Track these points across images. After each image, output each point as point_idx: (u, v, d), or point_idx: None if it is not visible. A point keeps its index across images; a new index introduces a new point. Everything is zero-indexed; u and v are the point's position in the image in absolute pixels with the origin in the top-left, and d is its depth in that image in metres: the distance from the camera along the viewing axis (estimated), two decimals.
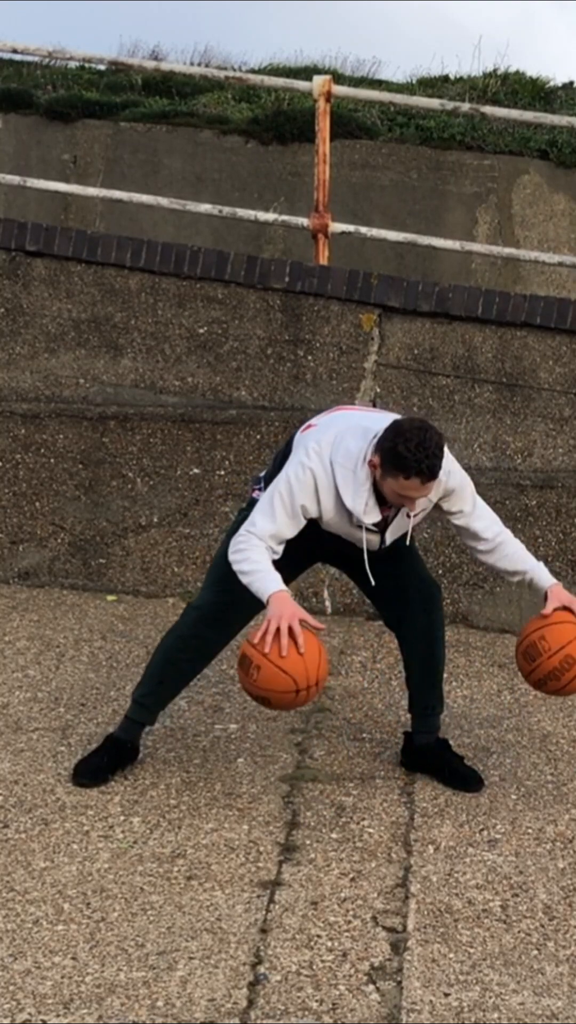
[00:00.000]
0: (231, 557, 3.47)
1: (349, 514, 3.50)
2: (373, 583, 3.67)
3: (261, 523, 3.45)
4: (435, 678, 3.83)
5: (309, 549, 3.69)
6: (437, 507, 3.64)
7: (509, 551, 3.68)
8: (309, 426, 3.63)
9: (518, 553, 3.69)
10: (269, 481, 3.64)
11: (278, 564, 3.51)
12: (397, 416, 3.62)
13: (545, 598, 3.67)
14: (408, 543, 3.73)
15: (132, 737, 3.77)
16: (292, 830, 3.47)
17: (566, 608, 3.63)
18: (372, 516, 3.51)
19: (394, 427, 3.40)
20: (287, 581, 3.62)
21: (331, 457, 3.46)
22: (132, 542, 5.60)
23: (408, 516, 3.58)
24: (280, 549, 3.49)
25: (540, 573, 3.69)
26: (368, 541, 3.59)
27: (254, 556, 3.42)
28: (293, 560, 3.65)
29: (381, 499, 3.51)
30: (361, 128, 9.23)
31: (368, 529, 3.54)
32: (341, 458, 3.46)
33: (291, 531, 3.48)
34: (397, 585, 3.75)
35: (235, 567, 3.45)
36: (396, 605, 3.78)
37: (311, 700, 3.48)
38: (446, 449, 3.52)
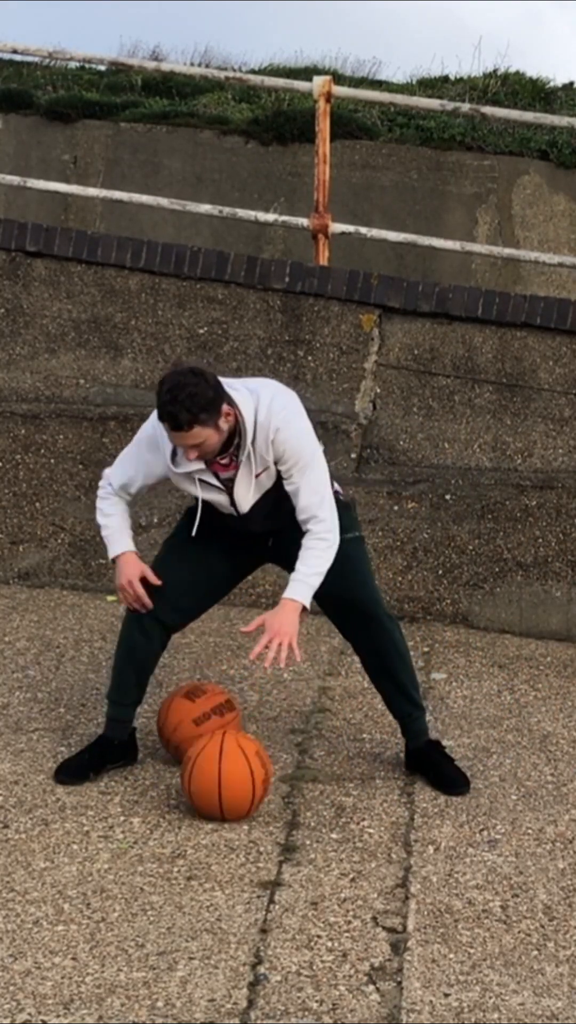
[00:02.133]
0: (97, 503, 3.73)
1: (173, 464, 3.54)
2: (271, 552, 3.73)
3: (115, 471, 3.68)
4: (398, 687, 3.78)
5: (240, 551, 3.72)
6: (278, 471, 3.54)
7: (309, 546, 3.50)
8: None
9: (308, 555, 3.50)
10: None
11: (218, 573, 3.70)
12: (260, 381, 3.64)
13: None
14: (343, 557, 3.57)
15: (116, 735, 3.76)
16: (292, 830, 3.47)
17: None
18: (187, 466, 3.48)
19: (170, 369, 3.42)
20: (230, 583, 3.81)
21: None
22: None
23: (255, 476, 3.49)
24: (132, 495, 3.68)
25: (293, 584, 3.50)
26: (219, 501, 3.55)
27: (107, 508, 3.68)
28: (230, 565, 3.74)
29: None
30: (361, 128, 9.23)
31: (208, 484, 3.53)
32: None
33: (137, 478, 3.63)
34: (343, 596, 3.67)
35: (96, 516, 3.70)
36: (343, 619, 3.76)
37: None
38: (289, 408, 3.48)
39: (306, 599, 3.50)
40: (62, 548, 5.63)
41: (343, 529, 3.56)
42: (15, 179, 6.80)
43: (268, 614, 3.49)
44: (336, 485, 3.68)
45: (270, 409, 3.45)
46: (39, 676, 4.54)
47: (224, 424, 3.39)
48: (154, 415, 3.47)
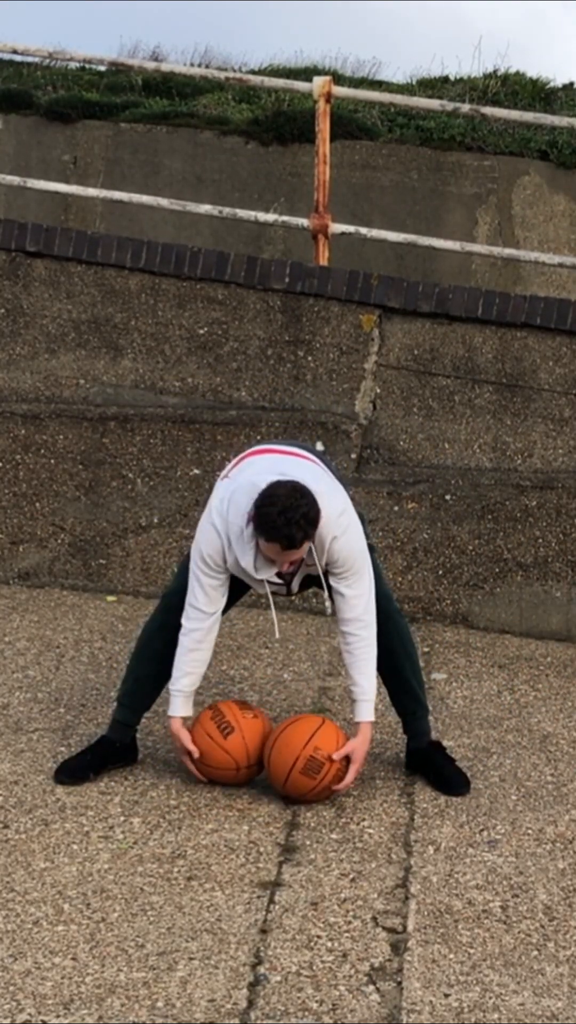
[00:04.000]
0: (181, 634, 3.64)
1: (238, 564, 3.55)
2: (293, 595, 3.78)
3: (195, 598, 3.60)
4: (405, 685, 3.81)
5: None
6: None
7: (357, 653, 3.61)
8: (225, 476, 3.65)
9: (360, 663, 3.61)
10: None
11: (238, 585, 3.68)
12: (311, 461, 3.63)
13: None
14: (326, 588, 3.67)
15: (120, 738, 3.78)
16: (292, 830, 3.47)
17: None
18: (266, 572, 3.53)
19: (268, 488, 3.38)
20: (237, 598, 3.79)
21: (227, 514, 3.50)
22: (132, 543, 5.60)
23: (307, 564, 3.59)
24: (223, 599, 3.63)
25: (362, 705, 3.62)
26: (273, 590, 3.64)
27: (180, 658, 3.62)
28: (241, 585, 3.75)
29: None
30: (361, 129, 9.23)
31: (270, 582, 3.58)
32: (233, 517, 3.49)
33: (222, 586, 3.59)
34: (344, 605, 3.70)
35: (180, 646, 3.63)
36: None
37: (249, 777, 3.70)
38: (347, 515, 3.54)
39: (373, 715, 3.66)
40: (62, 548, 5.63)
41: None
42: (15, 179, 6.80)
43: (353, 742, 3.61)
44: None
45: (327, 519, 3.46)
46: (39, 676, 4.54)
47: None
48: (211, 533, 3.51)
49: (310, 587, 3.74)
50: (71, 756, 3.78)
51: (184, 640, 3.62)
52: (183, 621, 3.62)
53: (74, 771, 3.69)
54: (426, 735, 3.87)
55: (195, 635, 3.61)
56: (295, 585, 3.69)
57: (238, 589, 3.75)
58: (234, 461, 3.70)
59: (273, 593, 3.64)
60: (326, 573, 3.58)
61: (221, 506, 3.53)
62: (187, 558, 3.72)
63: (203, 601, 3.59)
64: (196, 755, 3.63)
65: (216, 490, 3.61)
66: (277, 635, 4.00)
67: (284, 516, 3.30)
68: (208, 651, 3.66)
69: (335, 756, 3.57)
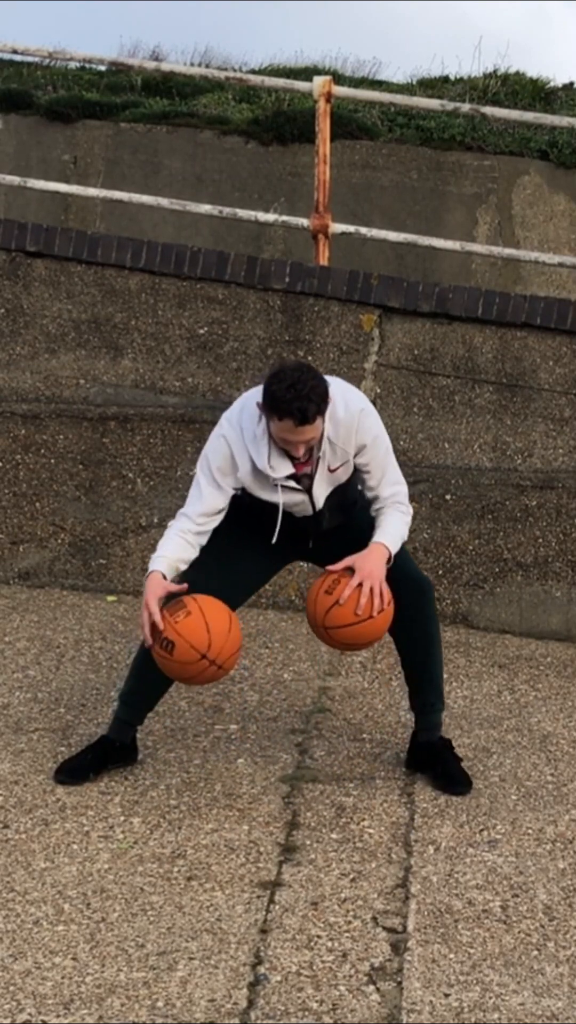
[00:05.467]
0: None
1: (260, 473, 3.52)
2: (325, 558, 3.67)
3: (190, 504, 3.55)
4: (432, 675, 3.81)
5: (280, 550, 3.69)
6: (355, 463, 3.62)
7: (386, 515, 3.65)
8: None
9: (391, 515, 3.65)
10: None
11: (251, 570, 3.65)
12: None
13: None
14: (354, 512, 3.69)
15: (121, 737, 3.76)
16: (292, 830, 3.47)
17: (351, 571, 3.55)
18: (282, 469, 3.49)
19: (273, 368, 3.43)
20: (260, 584, 3.78)
21: (239, 421, 3.51)
22: (132, 542, 5.61)
23: (330, 470, 3.56)
24: (213, 519, 3.55)
25: (385, 532, 3.61)
26: (297, 502, 3.57)
27: (165, 538, 3.54)
28: (266, 564, 3.72)
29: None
30: (361, 129, 9.24)
31: (289, 488, 3.54)
32: (246, 421, 3.50)
33: (220, 502, 3.54)
34: (389, 585, 3.72)
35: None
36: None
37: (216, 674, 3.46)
38: (365, 403, 3.57)
39: (394, 547, 3.59)
40: (62, 548, 5.63)
41: None
42: (15, 179, 6.80)
43: (356, 556, 3.52)
44: None
45: (347, 400, 3.51)
46: (39, 676, 4.54)
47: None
48: (219, 443, 3.50)
49: (337, 516, 3.67)
50: (71, 756, 3.77)
51: (169, 531, 3.54)
52: (170, 524, 3.57)
53: (74, 771, 3.68)
54: (439, 728, 3.87)
55: (180, 529, 3.52)
56: (319, 495, 3.58)
57: (253, 579, 3.72)
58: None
59: (297, 512, 3.59)
60: (357, 468, 3.58)
61: (231, 414, 3.53)
62: (192, 562, 3.65)
63: (197, 509, 3.53)
64: (179, 588, 3.46)
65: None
66: (274, 540, 3.62)
67: (294, 390, 3.30)
68: (193, 551, 3.55)
69: (332, 568, 3.53)
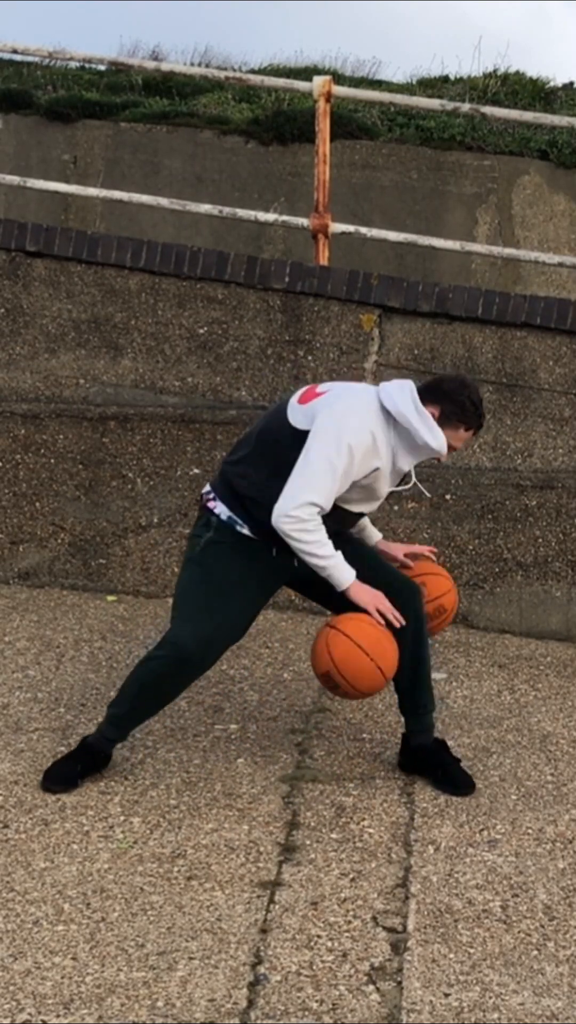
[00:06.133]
0: (291, 529, 3.41)
1: (395, 465, 3.59)
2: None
3: (317, 494, 3.41)
4: (425, 675, 3.82)
5: (272, 584, 3.71)
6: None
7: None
8: (311, 395, 3.58)
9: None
10: (225, 490, 3.60)
11: (247, 600, 3.59)
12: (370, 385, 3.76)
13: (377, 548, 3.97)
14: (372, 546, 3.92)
15: (103, 748, 3.72)
16: (292, 830, 3.47)
17: (413, 555, 3.99)
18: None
19: (454, 381, 3.63)
20: (252, 617, 3.71)
21: (392, 407, 3.53)
22: (132, 542, 5.60)
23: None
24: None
25: (370, 526, 3.98)
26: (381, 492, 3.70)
27: (324, 539, 3.45)
28: (256, 598, 3.66)
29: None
30: (361, 128, 9.24)
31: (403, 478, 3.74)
32: (402, 405, 3.53)
33: (343, 490, 3.49)
34: (391, 582, 3.74)
35: (303, 547, 3.43)
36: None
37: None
38: None
39: None
40: (62, 548, 5.63)
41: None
42: (15, 179, 6.80)
43: (403, 547, 4.02)
44: None
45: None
46: (39, 676, 4.54)
47: None
48: (365, 436, 3.47)
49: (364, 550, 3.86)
50: (59, 761, 3.69)
51: (316, 532, 3.42)
52: (303, 516, 3.40)
53: (67, 780, 3.63)
54: (432, 730, 3.87)
55: (324, 537, 3.45)
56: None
57: (260, 603, 3.70)
58: (304, 391, 3.63)
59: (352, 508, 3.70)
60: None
61: (369, 410, 3.51)
62: (191, 595, 3.57)
63: (325, 497, 3.42)
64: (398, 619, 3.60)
65: (332, 403, 3.50)
66: (378, 538, 3.99)
67: (482, 404, 3.66)
68: None
69: (400, 554, 3.97)
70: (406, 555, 3.99)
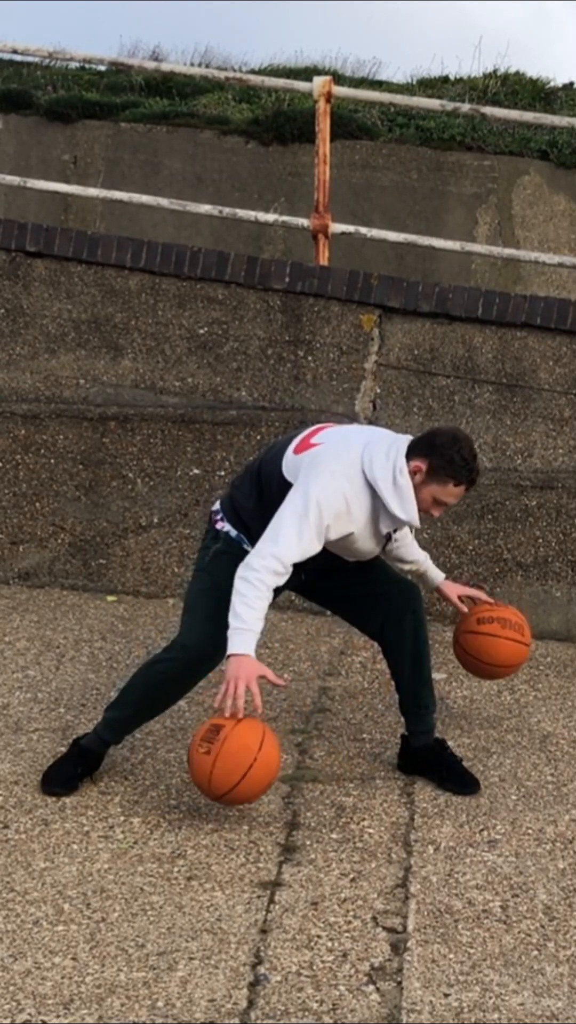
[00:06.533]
0: (243, 574, 3.35)
1: (375, 527, 3.53)
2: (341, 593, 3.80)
3: (286, 549, 3.35)
4: (426, 676, 3.82)
5: (277, 592, 3.60)
6: None
7: (409, 541, 3.91)
8: (306, 445, 3.55)
9: (414, 544, 3.96)
10: (231, 512, 3.61)
11: None
12: (373, 428, 3.73)
13: (438, 592, 4.07)
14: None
15: (99, 750, 3.71)
16: (292, 830, 3.47)
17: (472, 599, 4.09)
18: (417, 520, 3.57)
19: (446, 435, 3.54)
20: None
21: (368, 474, 3.45)
22: (132, 542, 5.61)
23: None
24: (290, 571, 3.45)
25: (431, 565, 4.03)
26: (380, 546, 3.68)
27: (257, 603, 3.33)
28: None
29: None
30: (361, 129, 9.23)
31: (389, 537, 3.65)
32: (379, 472, 3.45)
33: (317, 549, 3.43)
34: (375, 592, 3.76)
35: (236, 596, 3.33)
36: (377, 612, 3.78)
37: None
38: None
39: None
40: (62, 548, 5.63)
41: None
42: (15, 179, 6.80)
43: (457, 588, 4.10)
44: None
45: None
46: (39, 676, 4.54)
47: None
48: (336, 498, 3.41)
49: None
50: (56, 763, 3.69)
51: (253, 585, 3.32)
52: (258, 568, 3.32)
53: (67, 782, 3.63)
54: (433, 731, 3.87)
55: (266, 580, 3.32)
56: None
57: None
58: (303, 436, 3.59)
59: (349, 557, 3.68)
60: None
61: (349, 471, 3.44)
62: (200, 602, 3.58)
63: (292, 554, 3.34)
64: (276, 681, 3.37)
65: (314, 460, 3.46)
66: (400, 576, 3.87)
67: (474, 459, 3.53)
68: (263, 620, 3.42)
69: (461, 597, 4.03)
70: (460, 597, 4.05)
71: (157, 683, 3.59)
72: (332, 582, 3.76)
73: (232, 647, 3.32)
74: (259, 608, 3.33)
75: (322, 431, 3.62)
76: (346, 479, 3.43)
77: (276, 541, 3.35)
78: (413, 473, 3.48)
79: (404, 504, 3.46)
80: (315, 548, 3.41)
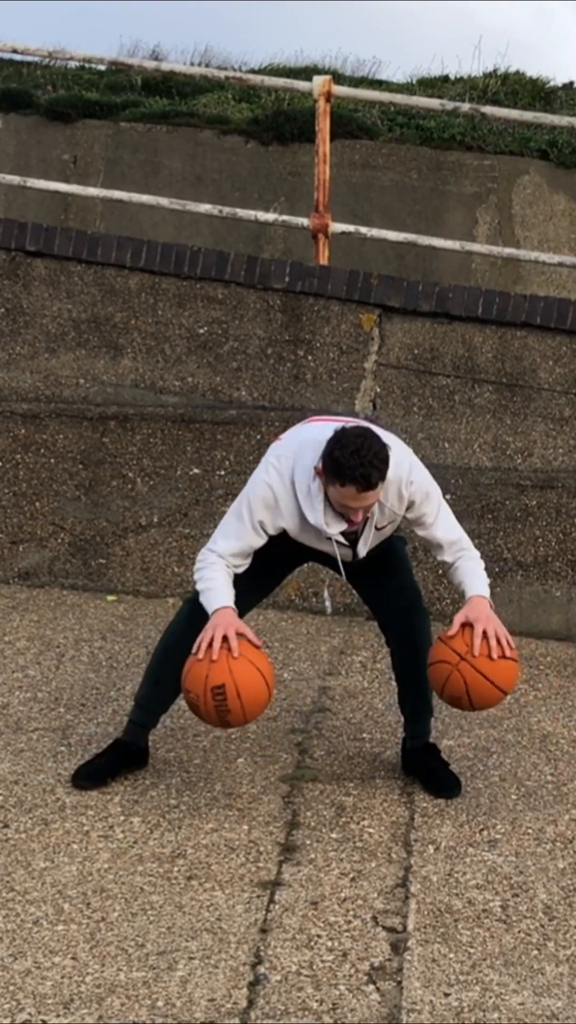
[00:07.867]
0: (196, 565, 3.53)
1: (316, 528, 3.49)
2: (345, 578, 3.72)
3: (222, 542, 3.50)
4: (420, 684, 3.77)
5: (293, 554, 3.69)
6: (405, 518, 3.60)
7: (462, 567, 3.62)
8: (279, 439, 3.62)
9: (466, 568, 3.62)
10: None
11: (262, 571, 3.58)
12: (364, 421, 3.64)
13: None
14: (391, 551, 3.75)
15: (135, 739, 3.75)
16: (292, 830, 3.47)
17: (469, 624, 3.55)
18: (336, 527, 3.47)
19: (336, 434, 3.35)
20: (273, 585, 3.78)
21: (291, 474, 3.45)
22: (132, 542, 5.61)
23: (377, 528, 3.56)
24: (245, 562, 3.51)
25: (477, 583, 3.59)
26: (341, 553, 3.57)
27: (208, 574, 3.47)
28: (278, 565, 3.70)
29: None
30: (361, 128, 9.23)
31: (338, 542, 3.52)
32: (299, 475, 3.45)
33: (255, 544, 3.50)
34: (379, 591, 3.76)
35: (195, 585, 3.51)
36: (381, 609, 3.80)
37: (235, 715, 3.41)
38: (411, 458, 3.55)
39: (488, 593, 3.59)
40: (62, 548, 5.63)
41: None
42: (15, 179, 6.80)
43: (462, 612, 3.54)
44: None
45: (397, 461, 3.44)
46: (39, 676, 4.54)
47: None
48: (264, 492, 3.44)
49: (377, 549, 3.68)
50: (88, 760, 3.72)
51: (208, 572, 3.46)
52: (201, 561, 3.48)
53: (94, 774, 3.65)
54: (427, 735, 3.87)
55: (210, 573, 3.45)
56: (362, 550, 3.57)
57: (267, 582, 3.72)
58: (288, 431, 3.66)
59: (342, 560, 3.59)
60: (410, 523, 3.59)
61: (281, 466, 3.46)
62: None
63: (231, 549, 3.47)
64: (255, 642, 3.40)
65: (270, 451, 3.55)
66: (343, 575, 3.68)
67: (357, 456, 3.25)
68: (230, 587, 3.49)
69: (448, 633, 3.52)
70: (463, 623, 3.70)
71: (169, 641, 3.66)
72: (363, 571, 3.71)
73: (209, 606, 3.44)
74: (219, 576, 3.45)
75: (301, 425, 3.66)
76: (277, 474, 3.47)
77: (215, 541, 3.52)
78: (319, 475, 3.41)
79: (312, 507, 3.44)
80: (255, 539, 3.49)
